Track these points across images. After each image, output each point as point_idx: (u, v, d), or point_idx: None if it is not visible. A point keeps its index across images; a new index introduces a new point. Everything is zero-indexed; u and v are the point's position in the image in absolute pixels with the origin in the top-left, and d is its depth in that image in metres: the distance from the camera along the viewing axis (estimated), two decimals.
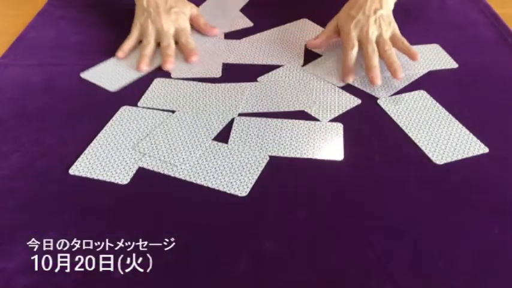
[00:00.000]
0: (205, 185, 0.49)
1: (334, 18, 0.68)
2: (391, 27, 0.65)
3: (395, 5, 0.68)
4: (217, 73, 0.65)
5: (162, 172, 0.50)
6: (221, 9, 0.78)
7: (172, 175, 0.50)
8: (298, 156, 0.52)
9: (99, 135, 0.55)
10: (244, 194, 0.48)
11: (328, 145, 0.53)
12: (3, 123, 0.57)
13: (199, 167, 0.51)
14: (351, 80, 0.62)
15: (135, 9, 0.70)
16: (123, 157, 0.52)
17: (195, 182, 0.49)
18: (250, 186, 0.49)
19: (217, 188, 0.49)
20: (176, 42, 0.69)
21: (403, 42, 0.64)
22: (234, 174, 0.50)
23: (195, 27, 0.72)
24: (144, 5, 0.68)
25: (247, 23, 0.75)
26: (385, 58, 0.62)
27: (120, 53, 0.67)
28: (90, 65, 0.66)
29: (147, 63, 0.65)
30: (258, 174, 0.50)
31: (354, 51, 0.63)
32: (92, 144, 0.54)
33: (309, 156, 0.52)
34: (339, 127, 0.56)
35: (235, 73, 0.64)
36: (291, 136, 0.54)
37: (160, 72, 0.65)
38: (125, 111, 0.58)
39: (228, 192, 0.48)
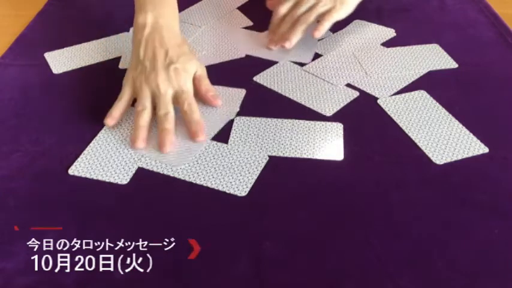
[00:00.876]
0: (204, 185, 0.49)
1: None
2: (332, 3, 0.64)
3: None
4: (242, 54, 0.66)
5: (161, 172, 0.50)
6: (218, 8, 0.78)
7: (172, 175, 0.50)
8: (298, 156, 0.52)
9: (97, 135, 0.55)
10: (243, 194, 0.48)
11: (328, 145, 0.53)
12: (3, 123, 0.58)
13: (199, 167, 0.51)
14: (273, 47, 0.66)
15: (130, 58, 0.59)
16: (123, 157, 0.52)
17: (194, 182, 0.49)
18: (250, 186, 0.49)
19: (216, 188, 0.49)
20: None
21: (324, 20, 0.64)
22: (234, 174, 0.50)
23: (195, 90, 0.57)
24: (140, 56, 0.56)
25: (247, 22, 0.75)
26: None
27: (109, 120, 0.54)
28: (93, 65, 0.67)
29: (144, 137, 0.52)
30: (258, 174, 0.50)
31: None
32: (91, 144, 0.54)
33: (309, 156, 0.52)
34: (339, 127, 0.56)
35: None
36: (291, 136, 0.54)
37: None
38: None
39: (228, 192, 0.48)
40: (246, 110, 0.58)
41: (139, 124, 0.53)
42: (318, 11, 0.64)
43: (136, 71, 0.56)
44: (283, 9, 0.66)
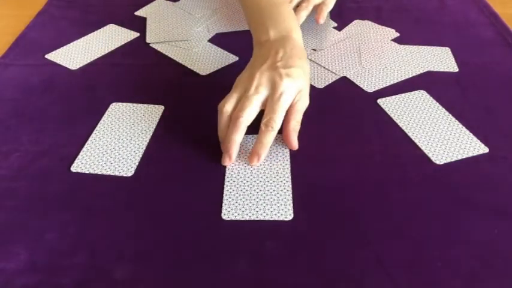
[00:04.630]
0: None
1: None
2: None
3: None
4: None
5: None
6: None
7: None
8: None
9: (94, 131, 0.55)
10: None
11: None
12: (3, 123, 0.58)
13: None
14: None
15: None
16: (123, 150, 0.53)
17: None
18: None
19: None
20: None
21: (322, 9, 0.70)
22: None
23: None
24: (255, 55, 0.55)
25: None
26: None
27: None
28: (90, 64, 0.67)
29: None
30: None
31: None
32: (89, 140, 0.54)
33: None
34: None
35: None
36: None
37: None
38: (115, 107, 0.59)
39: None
40: None
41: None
42: (314, 2, 0.71)
43: (246, 66, 0.53)
44: None
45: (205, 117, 0.56)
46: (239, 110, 0.49)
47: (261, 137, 0.49)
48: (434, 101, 0.59)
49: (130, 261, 0.43)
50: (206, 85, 0.63)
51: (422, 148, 0.53)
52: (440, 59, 0.66)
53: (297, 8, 0.70)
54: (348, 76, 0.64)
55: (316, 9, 0.71)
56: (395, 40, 0.71)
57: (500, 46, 0.70)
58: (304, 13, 0.69)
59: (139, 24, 0.75)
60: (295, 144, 0.51)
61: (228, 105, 0.50)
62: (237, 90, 0.51)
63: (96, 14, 0.78)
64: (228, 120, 0.51)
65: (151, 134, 0.55)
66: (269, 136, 0.49)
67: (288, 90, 0.49)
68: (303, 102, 0.52)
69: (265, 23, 0.57)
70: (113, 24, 0.75)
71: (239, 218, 0.46)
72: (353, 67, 0.65)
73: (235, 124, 0.49)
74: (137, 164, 0.51)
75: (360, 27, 0.74)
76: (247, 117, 0.49)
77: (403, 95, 0.60)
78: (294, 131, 0.51)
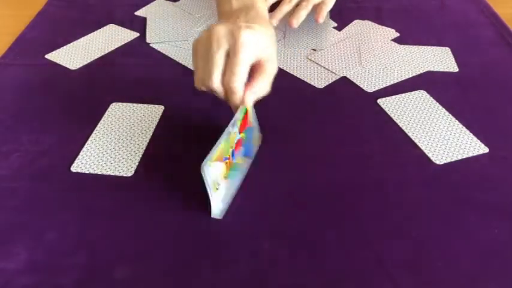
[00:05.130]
0: None
1: None
2: None
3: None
4: None
5: None
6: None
7: None
8: None
9: (94, 131, 0.55)
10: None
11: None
12: (3, 123, 0.58)
13: None
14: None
15: None
16: (123, 151, 0.53)
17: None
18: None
19: None
20: None
21: (321, 9, 0.69)
22: None
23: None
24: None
25: None
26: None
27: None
28: (90, 64, 0.67)
29: None
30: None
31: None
32: (89, 140, 0.54)
33: None
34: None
35: None
36: None
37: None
38: (115, 107, 0.59)
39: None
40: None
41: None
42: (314, 1, 0.70)
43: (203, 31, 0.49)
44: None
45: (205, 117, 0.56)
46: (227, 81, 0.44)
47: (231, 105, 0.45)
48: (434, 101, 0.59)
49: (131, 261, 0.43)
50: None
51: (422, 148, 0.53)
52: (440, 59, 0.66)
53: (296, 7, 0.70)
54: (348, 76, 0.64)
55: (316, 8, 0.71)
56: (395, 40, 0.71)
57: (500, 46, 0.70)
58: (303, 12, 0.69)
59: (139, 24, 0.75)
60: (249, 102, 0.45)
61: (198, 82, 0.47)
62: (198, 56, 0.47)
63: (96, 14, 0.78)
64: (215, 91, 0.46)
65: (151, 134, 0.55)
66: (235, 99, 0.43)
67: (249, 43, 0.43)
68: (273, 64, 0.46)
69: None
70: (113, 24, 0.75)
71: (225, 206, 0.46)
72: (353, 67, 0.65)
73: (233, 92, 0.44)
74: (137, 164, 0.51)
75: (360, 27, 0.74)
76: (217, 79, 0.44)
77: (403, 95, 0.60)
78: (255, 93, 0.45)
